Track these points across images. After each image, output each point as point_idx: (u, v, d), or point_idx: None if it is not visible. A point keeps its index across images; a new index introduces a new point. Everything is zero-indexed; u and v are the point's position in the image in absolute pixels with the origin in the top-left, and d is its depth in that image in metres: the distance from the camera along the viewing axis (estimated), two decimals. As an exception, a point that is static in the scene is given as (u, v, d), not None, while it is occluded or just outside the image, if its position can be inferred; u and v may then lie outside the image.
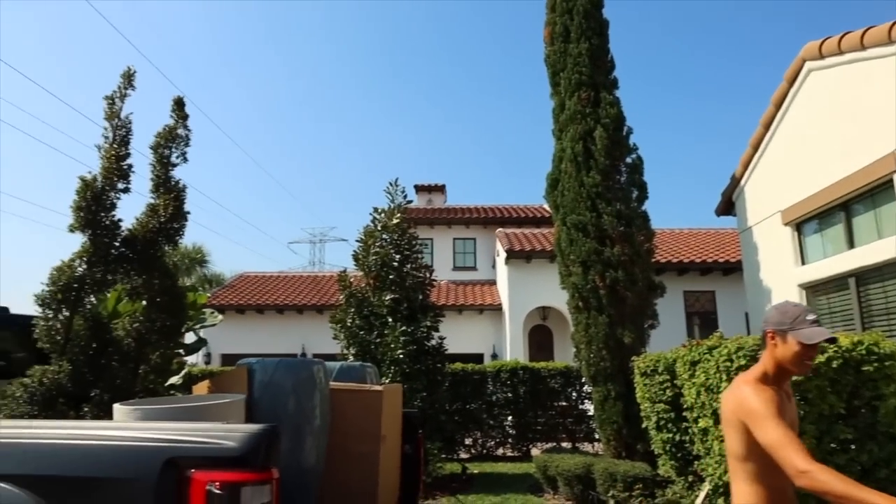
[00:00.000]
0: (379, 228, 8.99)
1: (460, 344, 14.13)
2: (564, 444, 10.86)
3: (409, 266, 8.90)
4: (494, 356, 17.01)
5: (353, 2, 71.74)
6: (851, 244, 6.42)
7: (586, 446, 10.93)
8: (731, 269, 14.95)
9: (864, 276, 6.24)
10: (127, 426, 2.36)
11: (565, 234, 8.77)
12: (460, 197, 49.73)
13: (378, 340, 8.31)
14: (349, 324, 8.52)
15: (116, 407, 2.54)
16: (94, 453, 2.21)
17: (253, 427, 2.22)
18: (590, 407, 11.45)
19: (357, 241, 9.02)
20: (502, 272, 17.31)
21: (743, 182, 8.44)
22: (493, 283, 19.27)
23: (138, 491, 2.12)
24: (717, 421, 5.12)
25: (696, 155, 64.26)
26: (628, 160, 8.86)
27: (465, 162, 69.68)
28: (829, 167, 6.56)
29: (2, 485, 2.18)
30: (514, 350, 15.81)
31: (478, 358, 16.73)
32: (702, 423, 5.33)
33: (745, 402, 2.14)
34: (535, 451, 11.19)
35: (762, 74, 61.31)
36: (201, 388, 3.21)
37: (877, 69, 5.87)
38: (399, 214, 9.03)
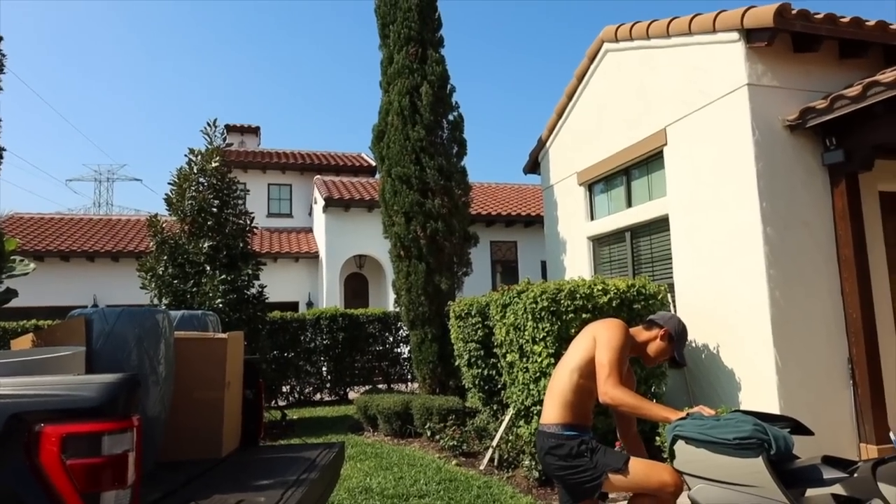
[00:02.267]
0: (195, 172, 8.46)
1: (275, 292, 13.87)
2: (381, 386, 11.45)
3: (228, 212, 8.56)
4: (310, 304, 17.03)
5: None
6: (629, 203, 7.60)
7: (401, 387, 11.65)
8: (532, 222, 16.55)
9: (637, 231, 7.46)
10: (-40, 383, 2.17)
11: (390, 185, 9.08)
12: (275, 141, 47.40)
13: (195, 290, 7.96)
14: (161, 272, 8.02)
15: (-70, 365, 2.30)
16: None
17: (109, 377, 2.20)
18: (406, 350, 12.17)
19: (170, 183, 8.41)
20: (320, 220, 17.21)
21: (548, 145, 9.41)
22: (309, 230, 19.07)
23: (-21, 449, 2.01)
24: (522, 355, 5.92)
25: (510, 112, 68.22)
26: (450, 117, 9.36)
27: (279, 105, 66.17)
28: (616, 137, 7.63)
29: None
30: (330, 298, 15.99)
31: (293, 306, 16.64)
32: (509, 358, 6.10)
33: (611, 330, 2.69)
34: (352, 395, 11.65)
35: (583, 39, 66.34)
36: (23, 342, 2.97)
37: (658, 57, 6.92)
38: (218, 157, 8.57)
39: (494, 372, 7.07)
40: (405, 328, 11.10)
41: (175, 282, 7.99)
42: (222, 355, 3.41)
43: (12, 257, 3.21)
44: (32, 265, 3.40)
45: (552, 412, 2.68)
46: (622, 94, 7.60)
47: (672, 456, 2.17)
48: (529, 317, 5.67)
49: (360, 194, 16.60)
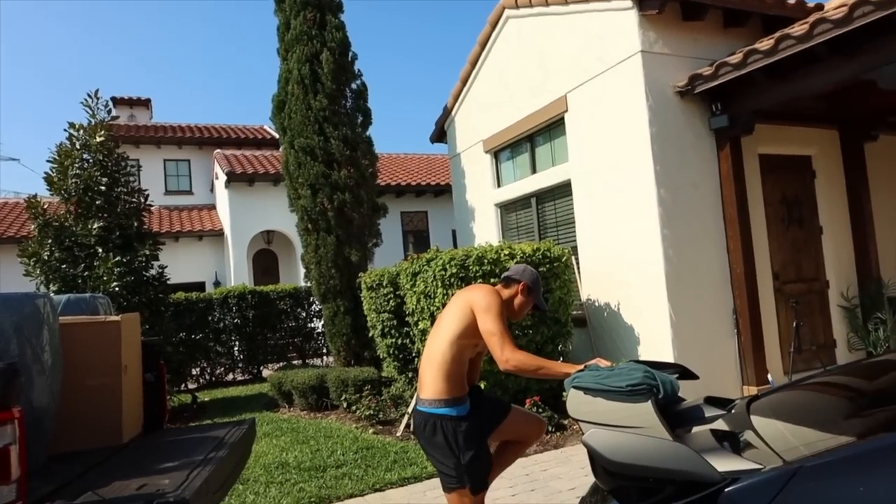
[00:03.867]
0: (78, 147, 7.84)
1: (179, 273, 13.26)
2: (295, 362, 11.29)
3: (119, 190, 8.02)
4: (217, 283, 16.40)
5: None
6: (534, 170, 7.80)
7: (316, 361, 11.53)
8: (441, 192, 16.64)
9: (542, 196, 7.68)
10: None
11: (293, 157, 8.83)
12: (169, 114, 44.55)
13: (86, 273, 7.45)
14: (47, 257, 7.43)
15: None
16: None
17: (-16, 366, 2.04)
18: (319, 325, 12.03)
19: (49, 161, 7.75)
20: (222, 196, 16.49)
21: (454, 113, 9.44)
22: (211, 207, 18.24)
23: None
24: (433, 322, 6.00)
25: (417, 82, 67.47)
26: (353, 86, 9.17)
27: (171, 77, 62.01)
28: (520, 104, 7.76)
29: None
30: (238, 276, 15.46)
31: (199, 286, 15.94)
32: (421, 325, 6.18)
33: (487, 296, 2.66)
34: (266, 373, 11.41)
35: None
36: None
37: (557, 23, 7.06)
38: (103, 132, 7.97)
39: (408, 340, 7.14)
40: (317, 302, 10.96)
41: (63, 266, 7.44)
42: (116, 338, 3.23)
43: None
44: None
45: (430, 385, 2.59)
46: (524, 61, 7.72)
47: (566, 405, 2.29)
48: (439, 284, 5.75)
49: (264, 168, 16.02)
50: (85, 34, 59.76)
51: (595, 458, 1.72)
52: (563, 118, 7.08)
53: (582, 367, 2.37)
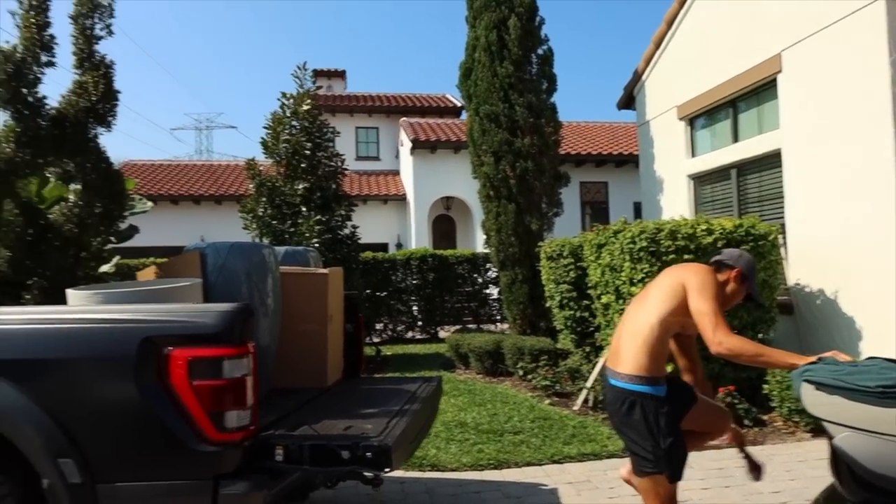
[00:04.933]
0: (288, 115, 8.64)
1: (365, 234, 14.12)
2: (470, 326, 11.62)
3: (321, 154, 8.73)
4: (399, 245, 17.36)
5: None
6: (736, 138, 7.06)
7: (490, 327, 11.76)
8: (624, 162, 15.88)
9: (744, 168, 6.94)
10: (97, 309, 2.35)
11: (478, 124, 8.90)
12: (361, 84, 47.63)
13: (291, 230, 8.26)
14: (261, 213, 8.36)
15: (71, 292, 2.50)
16: (67, 336, 2.21)
17: (226, 305, 2.30)
18: (494, 291, 12.22)
19: (265, 127, 8.65)
20: (407, 162, 17.30)
21: (644, 77, 8.85)
22: (396, 173, 19.25)
23: (117, 370, 2.17)
24: (618, 297, 5.76)
25: (599, 50, 64.71)
26: (539, 51, 8.97)
27: (363, 50, 66.13)
28: (722, 65, 7.03)
29: None
30: (418, 239, 16.20)
31: (382, 247, 17.01)
32: (604, 299, 5.96)
33: (702, 275, 2.46)
34: (442, 333, 11.90)
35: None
36: (147, 273, 3.18)
37: (775, -29, 6.22)
38: (309, 101, 8.69)
39: (587, 314, 6.96)
40: (494, 269, 11.11)
41: (274, 222, 8.31)
42: (324, 289, 3.51)
43: (132, 196, 3.39)
44: (150, 203, 3.60)
45: (632, 360, 2.42)
46: (729, 19, 6.95)
47: (799, 400, 2.02)
48: (627, 257, 5.47)
49: (445, 135, 16.47)
50: (287, 15, 65.75)
51: (848, 465, 1.48)
52: (774, 80, 6.29)
53: (815, 358, 2.07)
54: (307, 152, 8.52)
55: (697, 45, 7.59)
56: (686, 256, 5.11)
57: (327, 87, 21.49)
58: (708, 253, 5.09)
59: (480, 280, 12.41)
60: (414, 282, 11.92)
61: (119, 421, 2.17)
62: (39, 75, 2.76)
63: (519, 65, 8.70)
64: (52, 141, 2.74)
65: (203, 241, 12.91)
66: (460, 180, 15.71)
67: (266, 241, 8.26)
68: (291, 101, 8.69)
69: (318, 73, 21.46)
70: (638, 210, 10.17)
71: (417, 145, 15.96)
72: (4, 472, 2.14)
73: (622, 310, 5.52)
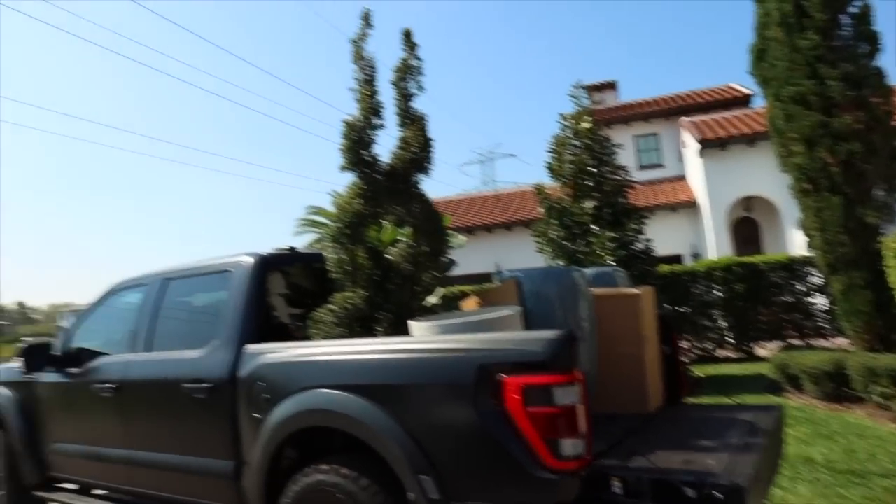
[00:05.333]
0: (569, 135, 8.73)
1: (656, 246, 13.53)
2: (794, 342, 10.10)
3: (605, 169, 8.60)
4: (696, 256, 16.11)
5: None
6: None
7: (820, 342, 10.06)
8: None
9: None
10: (437, 339, 2.58)
11: (780, 109, 7.79)
12: (632, 93, 46.39)
13: (585, 249, 8.24)
14: (553, 236, 8.54)
15: (413, 324, 2.79)
16: (417, 364, 2.46)
17: (552, 333, 2.30)
18: (820, 300, 10.46)
19: (548, 151, 8.88)
20: (694, 164, 16.08)
21: None
22: (682, 178, 18.01)
23: (457, 394, 2.32)
24: None
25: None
26: (851, 9, 7.49)
27: (626, 58, 64.42)
28: None
29: (344, 394, 2.53)
30: (718, 247, 14.82)
31: (676, 259, 15.97)
32: None
33: None
34: (760, 351, 10.57)
35: None
36: (470, 303, 3.42)
37: None
38: (588, 118, 8.67)
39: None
40: (819, 274, 9.50)
41: (566, 243, 8.41)
42: (637, 310, 3.35)
43: (449, 233, 3.70)
44: (464, 238, 3.88)
45: None
46: None
47: None
48: None
49: (736, 129, 14.86)
50: (551, 33, 67.40)
51: None
52: None
53: None
54: (592, 169, 8.48)
55: None
56: None
57: (600, 101, 21.32)
58: None
59: (802, 288, 10.73)
60: (720, 294, 10.86)
61: (464, 443, 2.31)
62: (374, 137, 3.23)
63: (825, 32, 7.37)
64: (387, 192, 3.16)
65: (498, 267, 13.81)
66: (760, 177, 13.95)
67: (560, 262, 8.39)
68: (571, 121, 8.77)
69: (589, 88, 21.43)
70: None
71: (705, 144, 14.71)
72: (380, 483, 2.44)
73: None
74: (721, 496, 2.04)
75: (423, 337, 2.68)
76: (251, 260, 3.27)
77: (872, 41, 7.58)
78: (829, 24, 7.44)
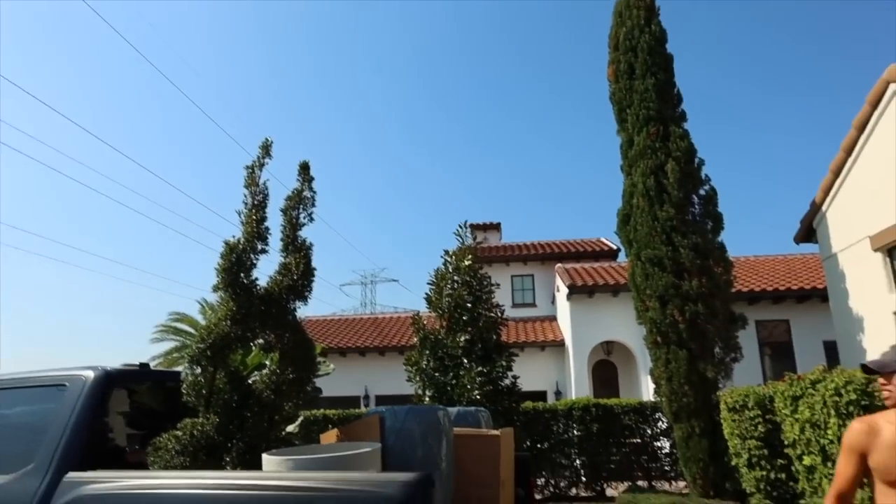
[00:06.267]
0: (450, 270, 9.11)
1: (523, 381, 13.89)
2: (640, 483, 10.52)
3: (481, 306, 8.96)
4: (558, 393, 16.74)
5: (389, 36, 73.87)
6: (951, 269, 6.18)
7: (664, 485, 10.56)
8: (806, 297, 14.43)
9: (968, 302, 5.97)
10: (289, 476, 2.47)
11: (640, 268, 8.70)
12: (514, 235, 49.71)
13: (454, 382, 8.34)
14: (424, 366, 8.59)
15: (266, 458, 2.66)
16: (261, 501, 2.32)
17: (409, 475, 2.30)
18: (665, 444, 11.12)
19: (429, 283, 9.16)
20: (563, 308, 17.16)
21: (824, 208, 8.24)
22: (552, 318, 19.10)
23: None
24: (825, 458, 4.94)
25: (758, 189, 62.11)
26: (701, 192, 8.80)
27: (512, 201, 69.83)
28: (919, 190, 6.37)
29: None
30: (578, 386, 15.53)
31: (541, 395, 16.51)
32: (807, 461, 5.16)
33: None
34: (610, 492, 10.87)
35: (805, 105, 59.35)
36: (329, 436, 3.32)
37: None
38: (470, 256, 9.14)
39: (785, 475, 6.02)
40: (664, 420, 10.18)
41: (436, 374, 8.47)
42: (497, 452, 3.40)
43: (318, 361, 3.66)
44: (332, 366, 3.84)
45: None
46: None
47: None
48: (832, 412, 4.76)
49: (603, 279, 16.24)
50: (452, 174, 72.07)
51: None
52: None
53: None
54: (468, 305, 8.80)
55: (885, 171, 7.01)
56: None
57: (483, 240, 22.61)
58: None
59: (650, 431, 11.39)
60: (577, 433, 11.25)
61: None
62: (255, 261, 3.22)
63: (680, 207, 8.55)
64: (260, 317, 3.11)
65: (367, 392, 13.44)
66: (620, 324, 15.17)
67: (429, 393, 8.39)
68: (453, 257, 9.20)
69: (474, 227, 22.78)
70: (829, 351, 9.02)
71: (574, 290, 15.86)
72: None
73: (831, 474, 4.71)
74: None
75: (273, 472, 2.56)
76: (91, 374, 3.00)
77: (716, 220, 8.83)
78: (683, 201, 8.62)
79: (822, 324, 9.33)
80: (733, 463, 7.00)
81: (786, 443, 5.67)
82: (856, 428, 2.27)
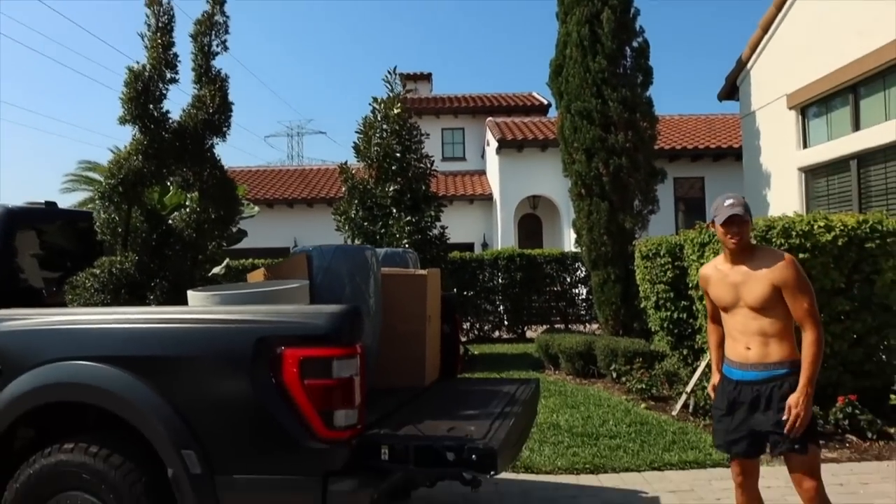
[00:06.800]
0: (379, 119, 8.82)
1: (452, 233, 14.22)
2: (558, 326, 11.43)
3: (410, 156, 8.84)
4: (485, 245, 17.34)
5: None
6: (857, 126, 6.52)
7: (579, 328, 11.52)
8: (722, 155, 15.08)
9: (866, 158, 6.39)
10: (216, 310, 2.47)
11: (569, 121, 8.73)
12: (446, 86, 48.08)
13: (382, 231, 8.42)
14: (353, 215, 8.58)
15: (192, 293, 2.64)
16: (190, 335, 2.34)
17: (337, 307, 2.35)
18: (583, 291, 11.96)
19: (357, 132, 8.88)
20: (493, 162, 17.25)
21: (749, 65, 8.35)
22: (482, 173, 19.24)
23: (234, 368, 2.27)
24: (722, 298, 5.45)
25: (697, 36, 61.62)
26: (634, 44, 8.68)
27: (446, 51, 66.79)
28: (841, 49, 6.50)
29: (103, 366, 2.32)
30: (504, 239, 16.11)
31: (469, 247, 17.03)
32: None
33: None
34: (530, 334, 11.77)
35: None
36: (257, 275, 3.31)
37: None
38: (399, 104, 8.83)
39: (686, 315, 6.64)
40: (584, 269, 10.85)
41: (365, 224, 8.51)
42: (423, 290, 3.52)
43: (241, 202, 3.56)
44: (256, 208, 3.76)
45: (785, 349, 2.56)
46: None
47: None
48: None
49: (532, 134, 16.27)
50: (383, 16, 67.42)
51: None
52: (904, 61, 5.75)
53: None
54: (398, 155, 8.66)
55: (811, 29, 7.07)
56: (801, 255, 4.76)
57: (413, 91, 21.81)
58: (826, 252, 4.74)
59: (569, 280, 12.19)
60: (501, 281, 11.87)
61: (235, 416, 2.27)
62: (164, 91, 2.96)
63: (613, 59, 8.44)
64: (174, 152, 2.92)
65: (296, 243, 13.50)
66: (547, 179, 15.47)
67: (358, 242, 8.47)
68: (382, 105, 8.86)
69: (405, 77, 21.82)
70: (740, 206, 9.61)
71: (504, 144, 15.87)
72: (135, 460, 2.29)
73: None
74: (475, 457, 2.27)
75: (199, 307, 2.56)
76: (-8, 212, 2.81)
77: (646, 74, 8.82)
78: (616, 52, 8.49)
79: (735, 182, 9.85)
80: (642, 306, 7.63)
81: (690, 286, 6.19)
82: (700, 273, 2.83)
